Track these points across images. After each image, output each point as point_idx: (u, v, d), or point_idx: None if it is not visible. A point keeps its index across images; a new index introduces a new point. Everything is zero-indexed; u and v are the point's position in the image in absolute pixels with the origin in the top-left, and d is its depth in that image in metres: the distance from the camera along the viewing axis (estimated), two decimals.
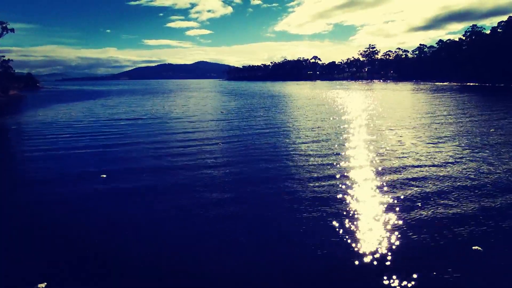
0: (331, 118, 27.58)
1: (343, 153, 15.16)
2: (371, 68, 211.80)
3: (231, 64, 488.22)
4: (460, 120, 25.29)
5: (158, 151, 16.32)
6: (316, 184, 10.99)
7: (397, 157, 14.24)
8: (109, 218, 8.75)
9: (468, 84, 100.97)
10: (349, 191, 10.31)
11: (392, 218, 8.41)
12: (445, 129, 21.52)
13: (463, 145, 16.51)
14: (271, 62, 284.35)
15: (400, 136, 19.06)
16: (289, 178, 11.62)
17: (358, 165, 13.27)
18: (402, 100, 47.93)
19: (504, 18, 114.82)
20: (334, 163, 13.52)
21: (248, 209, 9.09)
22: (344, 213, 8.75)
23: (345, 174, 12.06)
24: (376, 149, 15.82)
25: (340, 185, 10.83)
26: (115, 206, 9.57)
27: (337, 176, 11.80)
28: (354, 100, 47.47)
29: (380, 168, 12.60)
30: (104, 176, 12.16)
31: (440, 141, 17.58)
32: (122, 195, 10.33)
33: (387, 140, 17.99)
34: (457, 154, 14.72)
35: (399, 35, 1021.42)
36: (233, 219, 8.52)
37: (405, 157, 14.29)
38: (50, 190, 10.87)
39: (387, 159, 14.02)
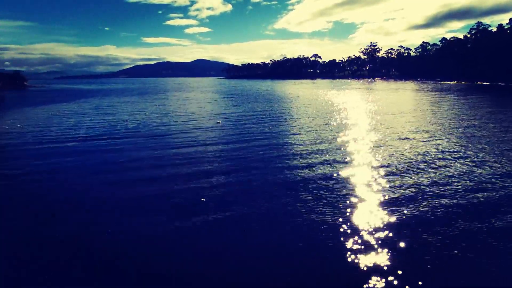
0: (364, 142, 18.15)
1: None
2: (372, 66, 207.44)
3: (231, 62, 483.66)
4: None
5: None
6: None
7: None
8: None
9: (477, 83, 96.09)
10: None
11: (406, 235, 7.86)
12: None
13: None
14: (271, 60, 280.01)
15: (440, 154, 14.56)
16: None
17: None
18: (421, 104, 42.81)
19: (505, 16, 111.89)
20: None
21: None
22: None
23: None
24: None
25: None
26: None
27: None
28: (374, 107, 41.40)
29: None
30: None
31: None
32: None
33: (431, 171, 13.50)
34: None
35: (399, 33, 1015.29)
36: None
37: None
38: None
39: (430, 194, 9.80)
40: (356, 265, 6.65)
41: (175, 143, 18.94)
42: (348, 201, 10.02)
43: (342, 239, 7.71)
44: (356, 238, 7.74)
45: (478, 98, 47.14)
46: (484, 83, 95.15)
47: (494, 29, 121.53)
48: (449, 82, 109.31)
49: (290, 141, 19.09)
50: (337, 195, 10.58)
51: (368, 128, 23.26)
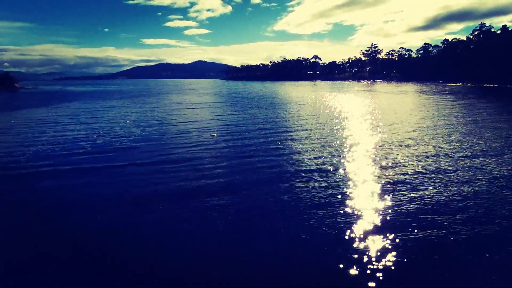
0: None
1: None
2: (373, 68, 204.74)
3: (230, 64, 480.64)
4: None
5: None
6: None
7: None
8: None
9: (485, 85, 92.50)
10: None
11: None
12: None
13: None
14: (270, 62, 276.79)
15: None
16: None
17: None
18: (447, 112, 37.97)
19: (504, 18, 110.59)
20: None
21: None
22: None
23: None
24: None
25: None
26: None
27: None
28: (391, 116, 37.26)
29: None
30: None
31: None
32: None
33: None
34: None
35: (399, 35, 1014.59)
36: None
37: None
38: None
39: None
40: (356, 266, 6.76)
41: (147, 177, 13.04)
42: (349, 205, 10.09)
43: (342, 240, 7.89)
44: (356, 239, 7.88)
45: (503, 104, 43.41)
46: (491, 85, 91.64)
47: (498, 31, 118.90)
48: (455, 84, 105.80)
49: (311, 171, 13.61)
50: (340, 198, 10.57)
51: (398, 151, 17.97)
